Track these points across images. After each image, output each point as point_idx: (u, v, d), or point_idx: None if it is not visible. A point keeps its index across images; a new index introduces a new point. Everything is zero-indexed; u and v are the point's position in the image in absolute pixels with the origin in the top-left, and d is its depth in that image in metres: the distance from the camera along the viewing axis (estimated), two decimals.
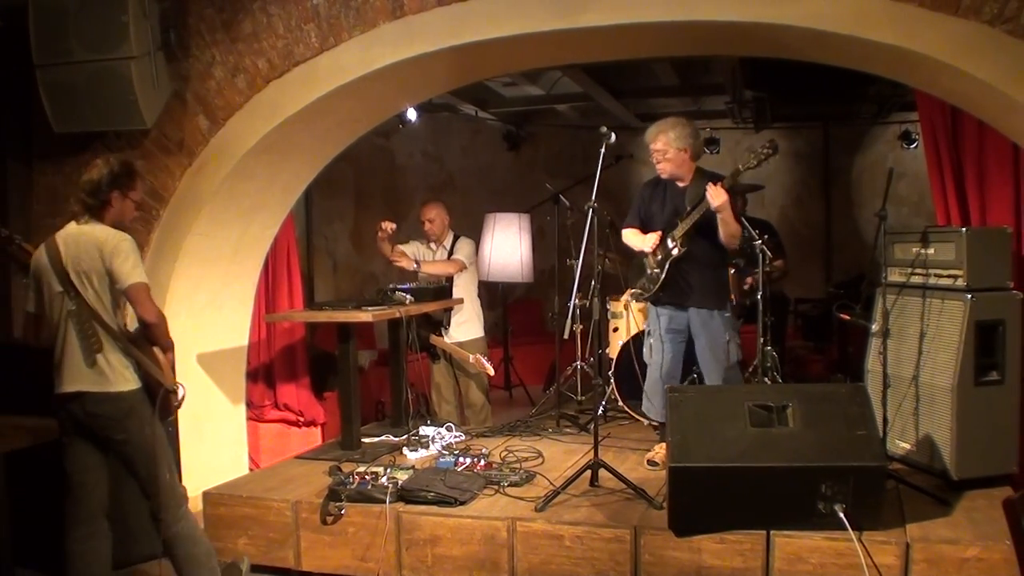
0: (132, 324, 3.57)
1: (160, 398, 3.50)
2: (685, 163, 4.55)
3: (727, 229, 4.38)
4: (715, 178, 4.45)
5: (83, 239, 3.42)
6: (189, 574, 3.58)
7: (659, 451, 4.67)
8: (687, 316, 4.59)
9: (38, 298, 3.53)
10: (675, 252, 4.50)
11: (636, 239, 4.70)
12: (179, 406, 3.70)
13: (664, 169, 4.56)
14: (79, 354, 3.41)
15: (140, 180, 3.68)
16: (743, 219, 4.90)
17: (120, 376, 3.44)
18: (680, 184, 4.60)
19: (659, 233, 4.58)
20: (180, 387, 3.61)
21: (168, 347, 3.59)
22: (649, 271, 4.67)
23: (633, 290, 4.96)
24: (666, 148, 4.50)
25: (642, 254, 4.71)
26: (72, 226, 3.49)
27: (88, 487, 3.53)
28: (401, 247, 6.00)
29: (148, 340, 3.52)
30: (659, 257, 4.59)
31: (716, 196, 4.27)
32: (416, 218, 6.19)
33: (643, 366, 4.89)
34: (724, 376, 4.51)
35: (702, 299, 4.54)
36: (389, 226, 5.60)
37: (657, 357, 4.66)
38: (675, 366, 4.67)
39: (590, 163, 4.41)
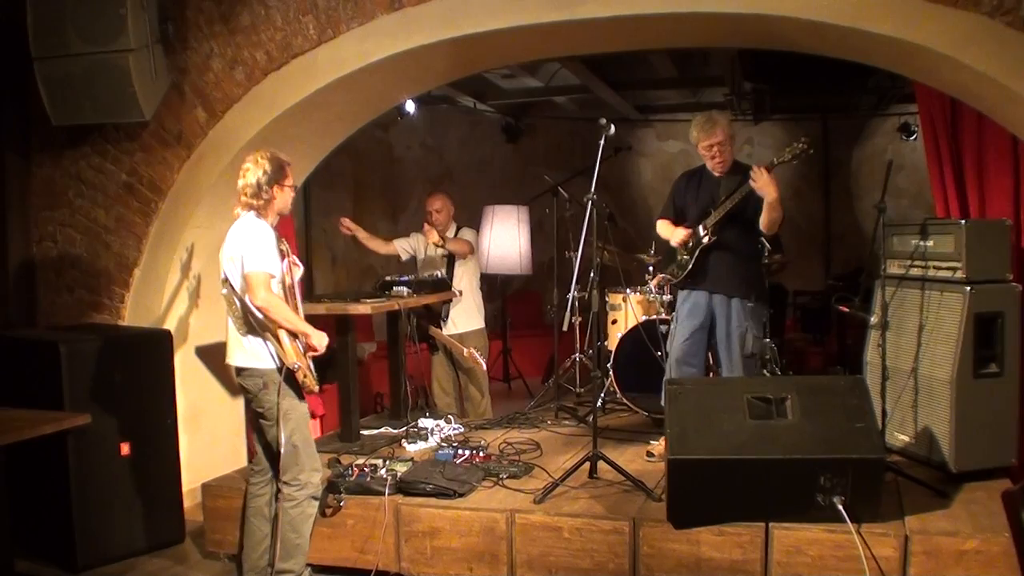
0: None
1: (283, 376, 3.71)
2: (732, 152, 4.60)
3: (772, 215, 4.37)
4: (749, 169, 4.44)
5: (235, 230, 3.79)
6: (276, 549, 3.80)
7: (661, 443, 4.67)
8: (712, 302, 4.61)
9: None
10: (705, 240, 4.53)
11: (666, 230, 4.74)
12: (311, 384, 3.77)
13: (724, 161, 4.57)
14: (232, 332, 3.78)
15: (289, 167, 3.88)
16: None
17: (256, 354, 3.74)
18: (716, 175, 4.61)
19: (689, 231, 4.61)
20: (296, 365, 3.70)
21: (292, 330, 3.72)
22: (679, 257, 4.70)
23: (663, 275, 4.98)
24: (725, 138, 4.51)
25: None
26: (237, 220, 3.83)
27: (261, 444, 3.92)
28: (400, 240, 5.99)
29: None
30: (689, 244, 4.62)
31: (768, 183, 4.25)
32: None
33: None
34: (739, 365, 4.52)
35: (727, 286, 4.56)
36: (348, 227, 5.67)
37: (676, 341, 4.67)
38: (696, 351, 4.66)
39: (589, 155, 4.39)
